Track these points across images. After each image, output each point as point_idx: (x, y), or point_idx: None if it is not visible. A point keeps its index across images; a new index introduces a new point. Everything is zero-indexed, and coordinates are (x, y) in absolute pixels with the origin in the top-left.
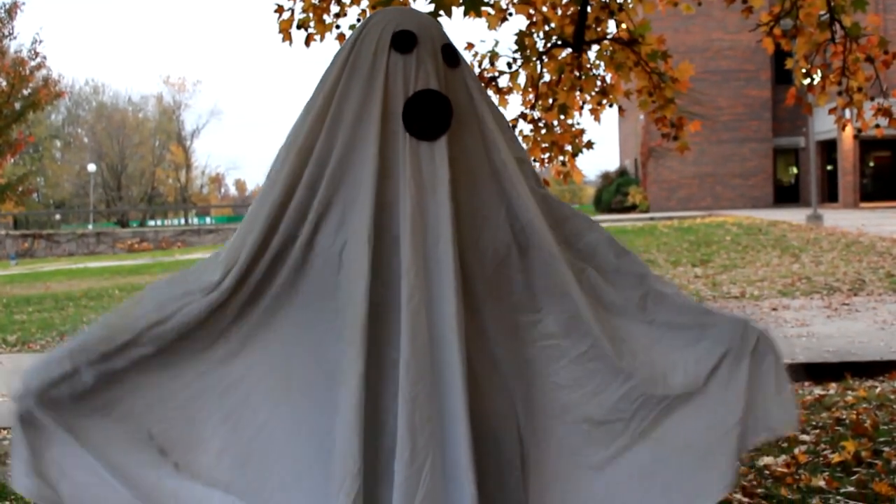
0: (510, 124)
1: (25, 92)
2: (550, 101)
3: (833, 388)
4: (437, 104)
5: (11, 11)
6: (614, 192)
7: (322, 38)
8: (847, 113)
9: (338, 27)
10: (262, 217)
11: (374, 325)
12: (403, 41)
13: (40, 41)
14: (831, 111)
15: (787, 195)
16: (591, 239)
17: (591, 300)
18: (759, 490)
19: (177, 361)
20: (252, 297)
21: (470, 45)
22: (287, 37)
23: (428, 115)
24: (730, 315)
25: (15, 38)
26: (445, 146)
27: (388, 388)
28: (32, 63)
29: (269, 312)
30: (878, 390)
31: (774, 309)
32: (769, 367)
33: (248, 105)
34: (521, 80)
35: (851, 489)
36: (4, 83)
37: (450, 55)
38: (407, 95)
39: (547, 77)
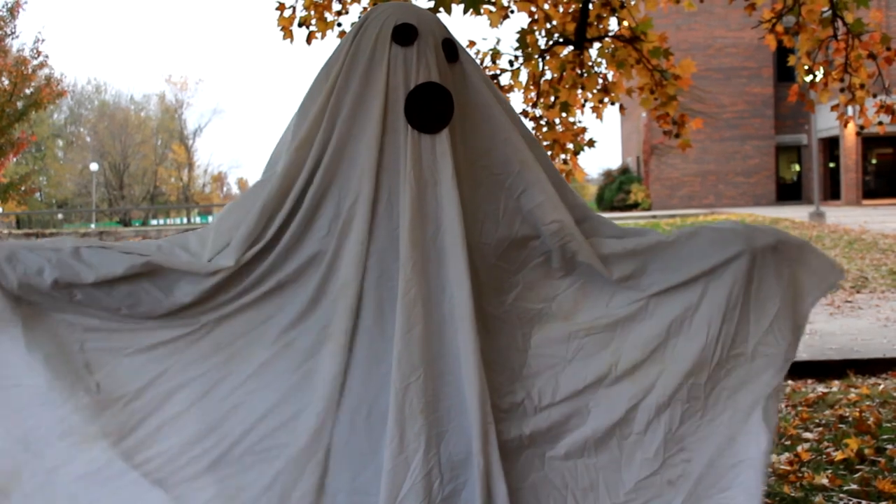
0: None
1: (28, 91)
2: (552, 98)
3: (836, 385)
4: (439, 97)
5: (13, 10)
6: (616, 190)
7: (323, 36)
8: (849, 110)
9: (339, 25)
10: (257, 209)
11: (376, 321)
12: (404, 34)
13: (42, 40)
14: (833, 108)
15: (789, 193)
16: (595, 220)
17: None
18: (762, 488)
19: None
20: (237, 286)
21: (472, 43)
22: (288, 34)
23: (430, 108)
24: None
25: (17, 36)
26: (447, 139)
27: (385, 382)
28: (34, 62)
29: (255, 304)
30: (881, 388)
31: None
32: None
33: (250, 104)
34: (523, 77)
35: (854, 487)
36: (7, 82)
37: (450, 49)
38: (408, 88)
39: (549, 75)
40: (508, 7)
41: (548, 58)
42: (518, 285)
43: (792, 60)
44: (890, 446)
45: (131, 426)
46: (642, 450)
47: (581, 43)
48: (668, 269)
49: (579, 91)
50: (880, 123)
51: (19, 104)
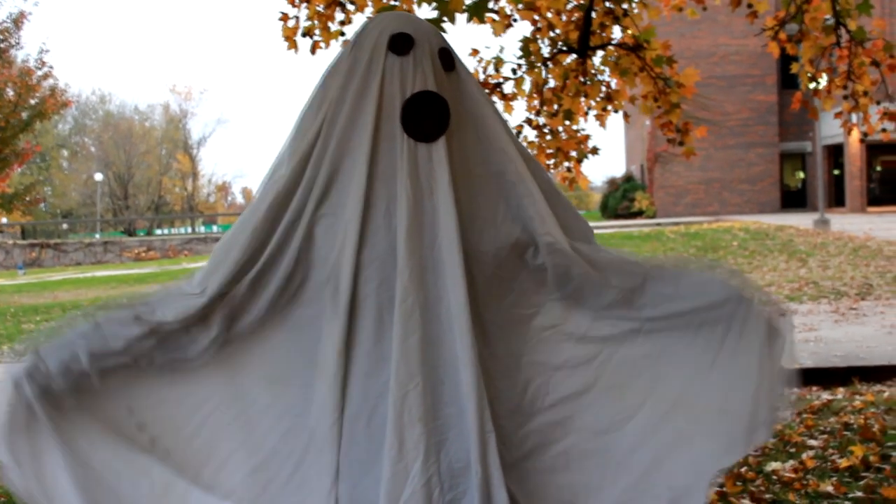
0: (515, 130)
1: (32, 101)
2: (555, 107)
3: (841, 392)
4: (435, 106)
5: (18, 21)
6: (620, 197)
7: (327, 46)
8: (853, 117)
9: (343, 34)
10: (247, 232)
11: (376, 329)
12: (400, 43)
13: (47, 51)
14: (837, 115)
15: (794, 200)
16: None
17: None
18: (767, 495)
19: (177, 367)
20: (242, 304)
21: (475, 52)
22: (292, 44)
23: (426, 117)
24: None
25: (21, 47)
26: (444, 148)
27: (385, 390)
28: (39, 73)
29: (261, 321)
30: (885, 395)
31: (782, 314)
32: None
33: (254, 113)
34: (527, 86)
35: (860, 494)
36: (11, 93)
37: (446, 59)
38: (404, 97)
39: (552, 83)
40: (511, 16)
41: (551, 66)
42: (513, 292)
43: (795, 68)
44: (895, 453)
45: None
46: (627, 472)
47: (584, 51)
48: (667, 296)
49: (582, 99)
50: (884, 130)
51: (24, 115)
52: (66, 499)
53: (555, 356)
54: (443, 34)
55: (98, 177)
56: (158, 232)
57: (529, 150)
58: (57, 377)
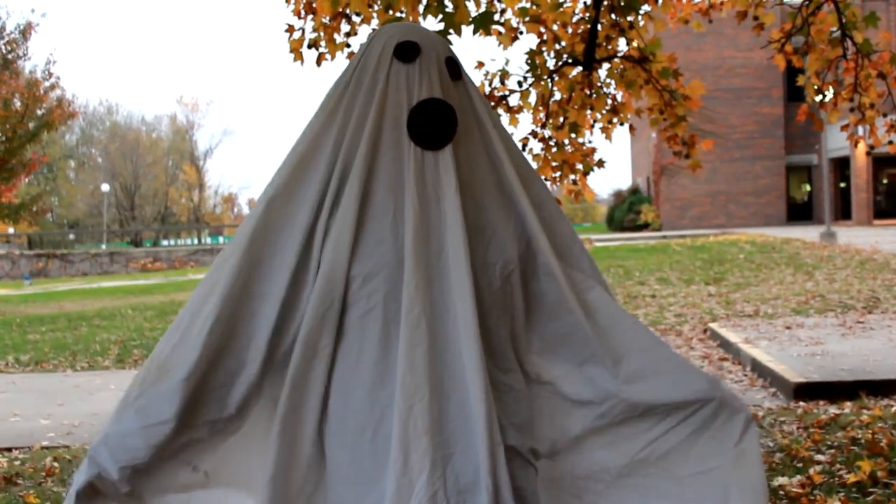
0: (521, 142)
1: (39, 112)
2: (561, 119)
3: (848, 407)
4: (442, 113)
5: (26, 32)
6: (626, 210)
7: (333, 58)
8: (859, 129)
9: (348, 46)
10: (289, 262)
11: (382, 340)
12: (406, 51)
13: (54, 62)
14: (843, 128)
15: (800, 213)
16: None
17: (591, 314)
18: None
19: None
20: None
21: (480, 64)
22: (298, 56)
23: (432, 125)
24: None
25: (29, 58)
26: (451, 156)
27: (391, 402)
28: (46, 83)
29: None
30: (893, 409)
31: (788, 327)
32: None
33: (260, 125)
34: (532, 98)
35: None
36: (19, 103)
37: (453, 68)
38: (410, 104)
39: (558, 95)
40: (517, 28)
41: (557, 78)
42: (510, 312)
43: (801, 80)
44: None
45: None
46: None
47: (590, 63)
48: (648, 376)
49: (588, 112)
50: (891, 143)
51: (31, 125)
52: None
53: (554, 380)
54: (449, 44)
55: (105, 187)
56: (165, 243)
57: (533, 165)
58: (121, 483)
